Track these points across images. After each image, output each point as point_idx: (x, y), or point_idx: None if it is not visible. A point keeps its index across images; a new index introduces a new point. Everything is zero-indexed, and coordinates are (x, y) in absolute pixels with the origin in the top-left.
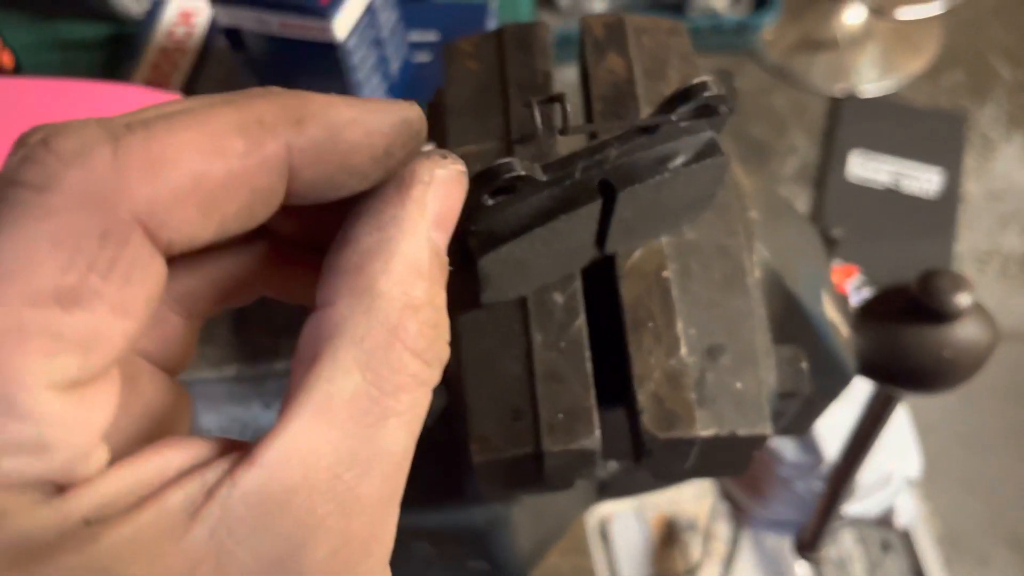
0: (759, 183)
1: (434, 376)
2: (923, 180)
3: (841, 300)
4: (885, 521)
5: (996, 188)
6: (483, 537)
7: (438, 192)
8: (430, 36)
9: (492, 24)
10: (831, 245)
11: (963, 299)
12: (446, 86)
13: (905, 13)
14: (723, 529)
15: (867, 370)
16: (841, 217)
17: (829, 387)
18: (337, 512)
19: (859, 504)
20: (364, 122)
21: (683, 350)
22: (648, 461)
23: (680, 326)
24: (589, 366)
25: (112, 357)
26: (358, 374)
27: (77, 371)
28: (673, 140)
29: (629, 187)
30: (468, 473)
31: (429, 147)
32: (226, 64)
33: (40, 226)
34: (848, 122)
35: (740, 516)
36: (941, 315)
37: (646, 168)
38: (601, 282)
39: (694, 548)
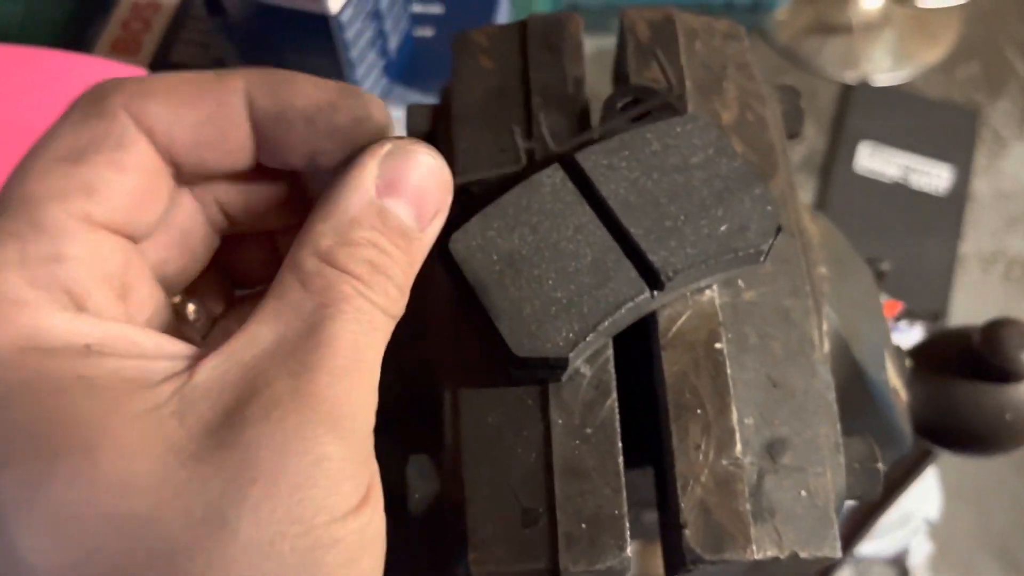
0: (825, 228)
1: (378, 297)
2: (933, 176)
3: (898, 355)
4: (898, 562)
5: (1005, 188)
6: None
7: (391, 162)
8: (435, 8)
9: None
10: (879, 279)
11: None
12: (454, 85)
13: (928, 0)
14: None
15: (921, 429)
16: (847, 210)
17: (885, 460)
18: (286, 378)
19: (873, 543)
20: (315, 89)
21: (738, 447)
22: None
23: (735, 415)
24: (620, 461)
25: (114, 206)
26: (299, 289)
27: (86, 206)
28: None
29: (585, 150)
30: (460, 556)
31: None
32: (204, 28)
33: (66, 121)
34: (859, 111)
35: None
36: (1006, 373)
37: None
38: (633, 347)
39: None
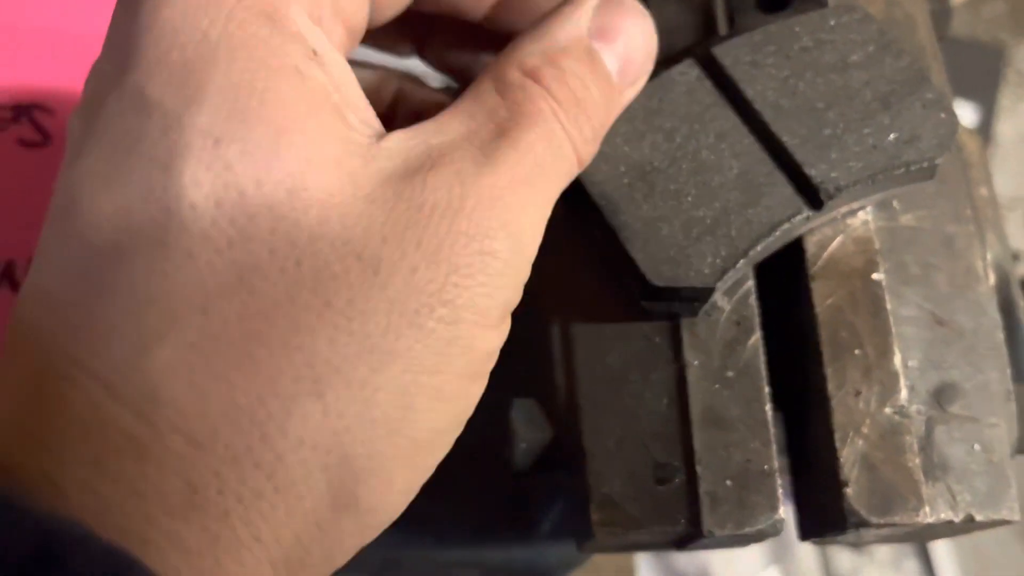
0: (982, 145)
1: (572, 128)
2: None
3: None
4: None
5: None
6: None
7: (608, 9)
8: None
9: None
10: None
11: None
12: None
13: None
14: None
15: None
16: None
17: None
18: (470, 164)
19: None
20: None
21: (903, 393)
22: (824, 536)
23: (898, 357)
24: (769, 409)
25: None
26: (497, 96)
27: None
28: None
29: (724, 43)
30: (547, 507)
31: None
32: None
33: None
34: None
35: None
36: None
37: None
38: (778, 278)
39: None
